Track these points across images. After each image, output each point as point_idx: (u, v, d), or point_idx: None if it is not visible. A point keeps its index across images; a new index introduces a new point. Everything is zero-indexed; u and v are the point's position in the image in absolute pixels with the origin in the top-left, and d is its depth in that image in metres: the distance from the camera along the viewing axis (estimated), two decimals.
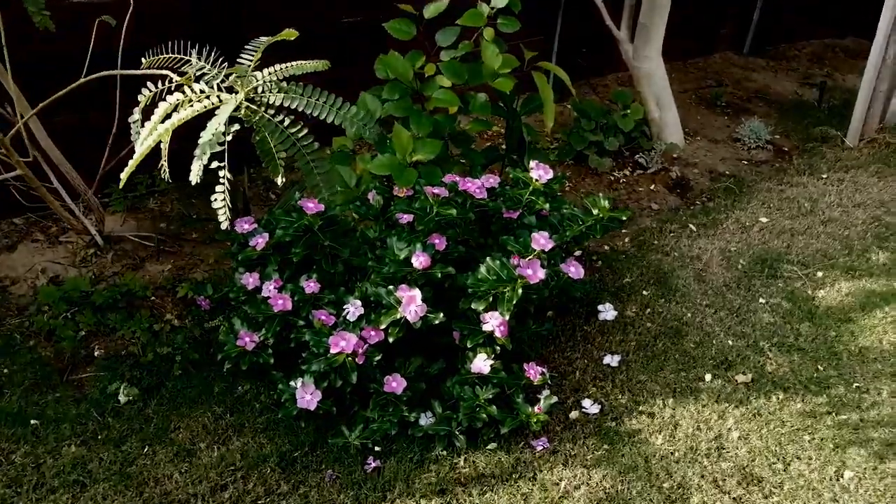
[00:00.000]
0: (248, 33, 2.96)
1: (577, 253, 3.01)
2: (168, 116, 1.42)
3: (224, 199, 1.53)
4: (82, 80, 2.08)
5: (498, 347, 2.07)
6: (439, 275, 2.07)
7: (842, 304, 2.79)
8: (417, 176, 2.50)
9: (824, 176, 3.83)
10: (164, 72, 1.59)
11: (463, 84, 2.65)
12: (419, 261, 2.04)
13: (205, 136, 1.44)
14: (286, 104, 1.51)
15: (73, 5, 2.55)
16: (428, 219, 2.13)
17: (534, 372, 2.11)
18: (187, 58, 1.50)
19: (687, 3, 4.72)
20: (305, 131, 1.56)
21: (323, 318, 2.05)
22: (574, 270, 2.17)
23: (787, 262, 3.02)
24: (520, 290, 1.94)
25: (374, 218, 2.51)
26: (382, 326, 1.97)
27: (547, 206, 2.32)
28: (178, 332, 2.52)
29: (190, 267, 2.89)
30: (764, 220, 3.37)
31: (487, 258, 2.07)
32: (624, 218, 2.29)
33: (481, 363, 2.03)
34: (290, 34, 1.53)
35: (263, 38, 1.54)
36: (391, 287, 2.03)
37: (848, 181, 3.76)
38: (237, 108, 1.47)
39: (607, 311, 2.60)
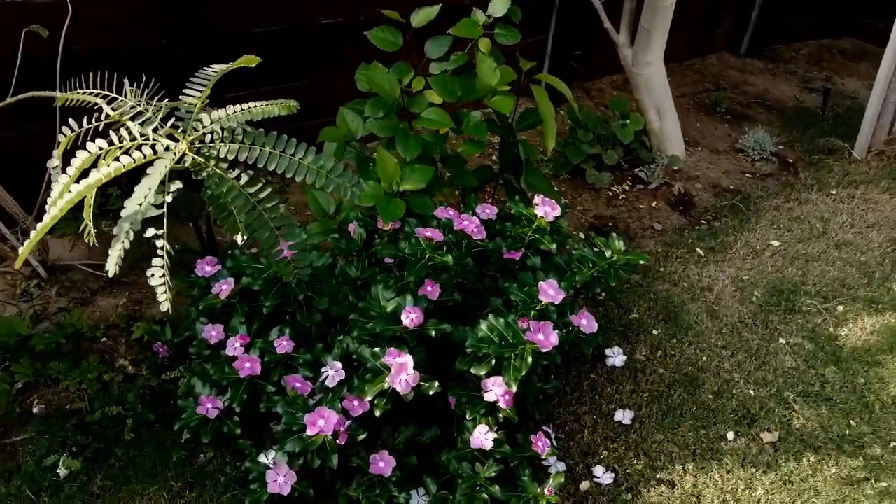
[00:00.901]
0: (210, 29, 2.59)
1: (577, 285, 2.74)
2: (91, 168, 1.12)
3: (163, 276, 1.23)
4: (8, 100, 1.75)
5: (501, 416, 1.79)
6: (433, 333, 1.79)
7: (867, 343, 2.56)
8: (405, 207, 2.22)
9: (833, 192, 3.60)
10: (94, 99, 1.28)
11: (455, 101, 2.36)
12: (410, 318, 1.75)
13: (129, 207, 1.14)
14: (241, 157, 1.21)
15: (4, 8, 2.20)
16: (420, 266, 1.84)
17: (542, 444, 1.84)
18: (114, 96, 1.18)
19: (683, 3, 4.46)
20: (268, 191, 1.26)
21: (297, 385, 1.76)
22: (586, 324, 1.90)
23: (804, 294, 2.79)
24: (529, 359, 1.66)
25: (356, 254, 2.21)
26: (368, 398, 1.69)
27: (554, 246, 2.04)
28: (131, 381, 2.21)
29: (148, 301, 2.56)
30: (775, 243, 3.13)
31: (490, 315, 1.79)
32: (641, 262, 2.02)
33: (482, 437, 1.76)
34: (249, 60, 1.23)
35: (216, 67, 1.23)
36: (377, 349, 1.74)
37: (859, 198, 3.53)
38: (180, 160, 1.17)
39: (616, 356, 2.33)
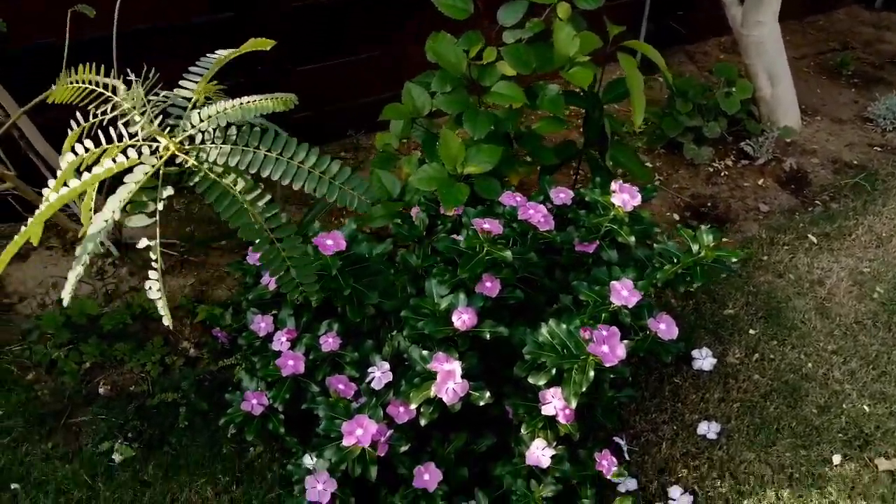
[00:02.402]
0: None
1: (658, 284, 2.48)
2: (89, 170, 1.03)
3: (160, 290, 1.12)
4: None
5: (562, 431, 1.61)
6: (488, 335, 1.62)
7: None
8: (470, 191, 2.05)
9: None
10: (108, 80, 1.18)
11: (530, 73, 2.14)
12: (462, 319, 1.59)
13: (95, 224, 1.03)
14: (232, 162, 1.07)
15: None
16: (475, 262, 1.67)
17: (607, 463, 1.65)
18: (107, 96, 1.07)
19: None
20: (267, 198, 1.12)
21: (341, 387, 1.65)
22: (665, 328, 1.68)
23: None
24: (591, 374, 1.47)
25: (418, 241, 2.07)
26: (413, 406, 1.55)
27: (632, 239, 1.81)
28: (192, 366, 2.19)
29: (215, 281, 2.54)
30: None
31: (551, 319, 1.61)
32: (735, 259, 1.75)
33: (539, 452, 1.59)
34: (259, 44, 1.08)
35: (219, 53, 1.09)
36: (426, 352, 1.60)
37: None
38: (171, 161, 1.05)
39: (704, 359, 2.08)
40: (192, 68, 1.12)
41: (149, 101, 1.05)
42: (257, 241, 1.15)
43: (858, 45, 4.25)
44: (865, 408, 2.01)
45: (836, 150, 3.31)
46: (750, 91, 3.22)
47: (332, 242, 1.69)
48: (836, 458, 1.89)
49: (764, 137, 3.19)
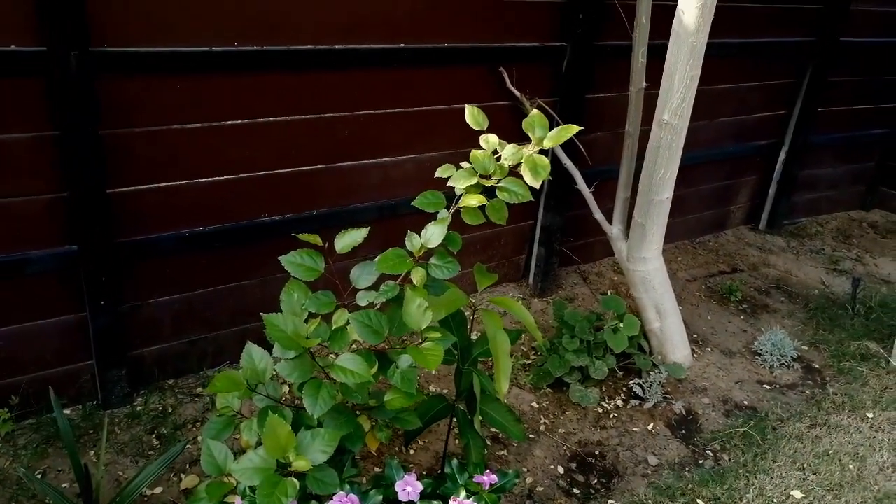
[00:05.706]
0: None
1: None
2: None
3: None
4: None
5: None
6: None
7: None
8: (297, 488, 1.76)
9: (870, 415, 3.03)
10: None
11: (381, 342, 1.95)
12: None
13: None
14: None
15: None
16: None
17: None
18: None
19: (694, 176, 4.14)
20: None
21: None
22: None
23: None
24: None
25: None
26: None
27: None
28: None
29: None
30: (797, 494, 2.56)
31: None
32: None
33: None
34: None
35: None
36: None
37: None
38: None
39: None
40: None
41: None
42: None
43: (746, 267, 4.35)
44: None
45: (727, 388, 3.21)
46: (637, 327, 3.14)
47: None
48: None
49: (653, 378, 3.07)
